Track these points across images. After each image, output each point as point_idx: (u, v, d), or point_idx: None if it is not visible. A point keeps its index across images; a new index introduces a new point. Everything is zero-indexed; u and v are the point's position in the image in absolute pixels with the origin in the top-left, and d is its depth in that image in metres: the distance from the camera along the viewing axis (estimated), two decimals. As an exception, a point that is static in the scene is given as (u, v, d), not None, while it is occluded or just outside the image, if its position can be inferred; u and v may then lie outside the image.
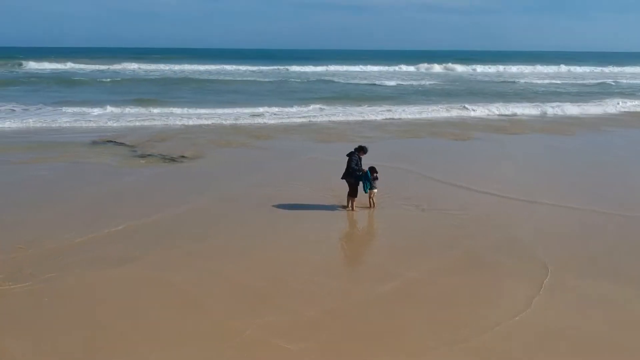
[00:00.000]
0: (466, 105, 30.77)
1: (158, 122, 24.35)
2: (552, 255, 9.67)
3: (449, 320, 7.45)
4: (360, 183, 12.03)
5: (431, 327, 7.24)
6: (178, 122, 24.45)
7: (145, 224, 10.99)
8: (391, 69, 72.04)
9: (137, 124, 23.93)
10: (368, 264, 9.97)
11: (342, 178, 12.14)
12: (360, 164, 12.03)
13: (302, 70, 66.32)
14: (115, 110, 26.97)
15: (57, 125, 23.17)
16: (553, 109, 31.12)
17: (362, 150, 12.20)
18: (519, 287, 8.46)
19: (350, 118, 27.12)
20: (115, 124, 23.71)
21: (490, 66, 77.87)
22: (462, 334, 7.06)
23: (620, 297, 8.21)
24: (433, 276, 8.87)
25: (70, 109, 26.97)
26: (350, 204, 12.11)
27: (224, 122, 24.88)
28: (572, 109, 31.49)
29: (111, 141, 19.71)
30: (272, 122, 25.33)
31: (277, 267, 9.09)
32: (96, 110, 26.71)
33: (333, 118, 26.83)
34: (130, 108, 27.89)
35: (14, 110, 26.72)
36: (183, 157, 17.52)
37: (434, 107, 30.58)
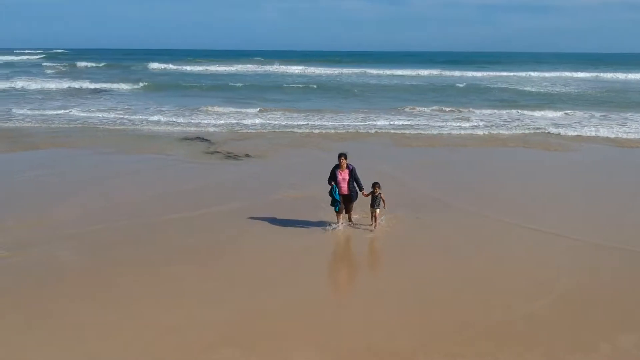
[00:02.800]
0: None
1: (249, 127, 24.87)
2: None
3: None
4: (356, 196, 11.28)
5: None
6: (275, 124, 25.45)
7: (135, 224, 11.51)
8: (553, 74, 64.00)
9: (234, 127, 25.10)
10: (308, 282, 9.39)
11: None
12: (337, 173, 11.09)
13: (477, 75, 62.68)
14: (232, 109, 29.40)
15: (157, 126, 24.81)
16: None
17: (340, 157, 11.07)
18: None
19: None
20: (214, 124, 24.98)
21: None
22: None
23: None
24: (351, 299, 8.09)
25: (188, 108, 30.02)
26: (340, 220, 11.22)
27: (321, 129, 25.00)
28: None
29: (199, 137, 21.45)
30: (359, 130, 24.06)
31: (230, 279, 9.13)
32: (216, 108, 29.37)
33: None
34: (247, 108, 30.22)
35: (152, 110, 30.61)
36: (247, 155, 18.25)
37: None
